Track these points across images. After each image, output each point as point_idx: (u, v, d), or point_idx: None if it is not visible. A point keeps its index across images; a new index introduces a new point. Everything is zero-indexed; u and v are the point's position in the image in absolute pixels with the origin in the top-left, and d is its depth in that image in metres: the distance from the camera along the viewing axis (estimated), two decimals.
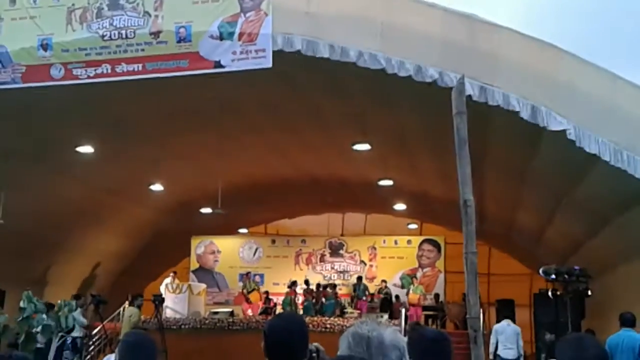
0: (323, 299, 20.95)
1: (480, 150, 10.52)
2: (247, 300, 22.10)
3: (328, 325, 17.86)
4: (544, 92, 9.65)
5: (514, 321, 13.96)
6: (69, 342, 15.54)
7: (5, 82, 11.10)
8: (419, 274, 23.46)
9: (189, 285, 21.86)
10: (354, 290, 22.00)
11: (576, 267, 11.50)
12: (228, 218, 20.89)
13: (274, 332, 2.94)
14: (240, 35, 10.21)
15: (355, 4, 10.34)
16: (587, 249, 14.90)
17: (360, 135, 15.14)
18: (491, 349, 13.26)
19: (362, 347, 1.92)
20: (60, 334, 15.32)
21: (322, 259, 24.51)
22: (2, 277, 17.35)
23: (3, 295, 18.06)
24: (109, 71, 10.76)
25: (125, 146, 16.00)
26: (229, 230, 25.06)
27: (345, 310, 20.66)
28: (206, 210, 21.54)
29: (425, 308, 21.22)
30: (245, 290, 22.48)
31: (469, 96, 8.44)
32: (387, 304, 21.26)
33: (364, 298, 21.48)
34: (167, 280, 21.54)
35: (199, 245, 25.11)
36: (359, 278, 22.38)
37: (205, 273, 24.79)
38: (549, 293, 14.19)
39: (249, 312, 21.41)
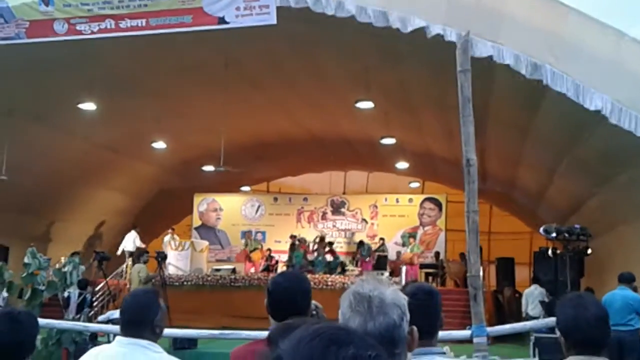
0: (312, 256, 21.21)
1: (483, 109, 10.50)
2: (249, 259, 22.24)
3: (329, 283, 18.03)
4: (549, 49, 9.58)
5: (540, 284, 15.35)
6: (88, 299, 15.83)
7: (10, 37, 11.05)
8: (419, 232, 23.57)
9: (192, 242, 22.00)
10: (358, 251, 22.11)
11: (577, 226, 11.55)
12: (230, 176, 20.92)
13: (277, 290, 2.97)
14: None
15: None
16: (587, 208, 14.96)
17: (364, 92, 15.07)
18: (523, 308, 15.13)
19: (364, 306, 1.96)
20: (66, 290, 15.51)
21: (324, 217, 24.60)
22: (5, 233, 17.50)
23: (7, 252, 18.22)
24: (113, 26, 10.70)
25: (128, 103, 15.96)
26: (231, 188, 25.13)
27: (347, 268, 20.81)
28: (209, 168, 21.58)
29: (425, 266, 21.36)
30: (247, 249, 22.61)
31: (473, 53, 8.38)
32: (383, 261, 21.41)
33: (367, 259, 21.59)
34: (167, 237, 21.64)
35: (201, 203, 25.20)
36: (361, 242, 22.46)
37: (207, 230, 24.93)
38: (549, 251, 14.28)
39: (252, 270, 21.57)
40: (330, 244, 21.96)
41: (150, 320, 3.20)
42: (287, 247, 22.23)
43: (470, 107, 5.66)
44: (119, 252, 20.38)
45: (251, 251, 22.38)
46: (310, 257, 21.29)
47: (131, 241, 20.64)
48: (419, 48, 10.40)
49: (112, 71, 13.99)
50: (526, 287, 16.13)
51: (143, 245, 19.37)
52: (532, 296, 14.97)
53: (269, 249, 22.48)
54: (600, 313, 2.87)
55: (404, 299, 2.01)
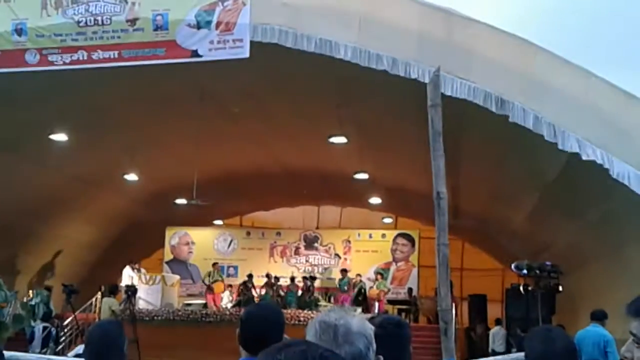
0: (282, 292, 20.93)
1: (455, 145, 10.58)
2: (210, 290, 21.80)
3: (302, 318, 17.85)
4: (518, 87, 9.74)
5: (500, 324, 17.73)
6: (53, 333, 15.49)
7: None
8: (392, 268, 23.54)
9: (163, 277, 21.68)
10: (339, 284, 21.92)
11: (547, 263, 11.60)
12: (203, 209, 20.76)
13: (250, 320, 2.94)
14: (218, 24, 10.18)
15: None
16: (559, 244, 15.05)
17: (337, 127, 15.15)
18: (490, 345, 17.02)
19: (329, 335, 1.91)
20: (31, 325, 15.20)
21: (296, 252, 24.49)
22: None
23: None
24: (85, 58, 10.67)
25: (100, 134, 15.84)
26: (203, 221, 24.93)
27: (320, 303, 20.64)
28: (181, 201, 21.41)
29: (398, 302, 21.29)
30: (208, 280, 22.10)
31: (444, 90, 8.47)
32: (362, 298, 21.27)
33: (346, 292, 21.38)
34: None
35: (173, 236, 24.96)
36: (344, 271, 22.27)
37: (179, 264, 24.65)
38: (521, 288, 14.31)
39: (213, 303, 21.16)
40: (313, 278, 21.79)
41: (119, 350, 3.14)
42: (260, 282, 21.95)
43: (441, 141, 5.68)
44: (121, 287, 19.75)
45: (213, 282, 21.95)
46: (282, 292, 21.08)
47: (127, 276, 20.31)
48: (390, 83, 10.49)
49: (85, 102, 13.91)
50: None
51: (136, 282, 18.97)
52: (498, 335, 17.08)
53: (243, 282, 22.06)
54: (569, 347, 2.84)
55: (370, 329, 1.97)
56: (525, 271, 11.37)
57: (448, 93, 9.13)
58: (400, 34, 10.08)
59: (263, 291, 21.35)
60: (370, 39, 9.96)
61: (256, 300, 20.55)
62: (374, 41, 9.94)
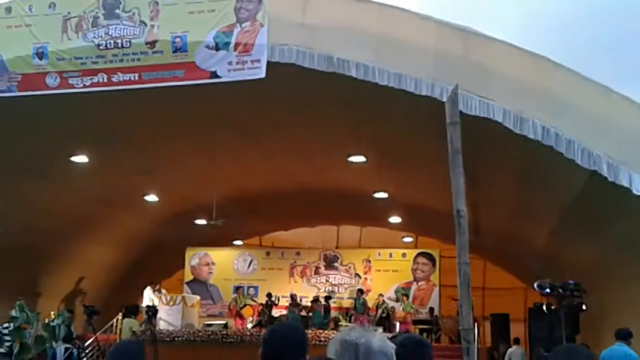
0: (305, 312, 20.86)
1: (475, 162, 10.52)
2: (240, 316, 21.85)
3: (322, 339, 17.74)
4: (537, 104, 9.68)
5: (518, 343, 17.70)
6: (75, 354, 15.53)
7: (1, 90, 11.10)
8: (413, 287, 23.38)
9: (183, 297, 21.73)
10: (355, 304, 21.82)
11: (570, 282, 11.43)
12: (223, 230, 20.81)
13: (273, 338, 2.91)
14: (236, 45, 10.23)
15: (349, 16, 10.37)
16: (582, 263, 14.86)
17: (355, 147, 15.12)
18: None
19: (350, 354, 1.89)
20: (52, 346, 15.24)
21: (316, 272, 24.41)
22: None
23: None
24: (105, 80, 10.76)
25: (120, 156, 15.96)
26: (223, 241, 24.97)
27: (340, 323, 20.52)
28: (201, 221, 21.46)
29: (419, 322, 21.10)
30: (237, 306, 22.20)
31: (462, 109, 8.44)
32: (386, 321, 21.00)
33: (362, 313, 21.24)
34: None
35: (193, 257, 25.00)
36: (360, 291, 22.16)
37: (199, 285, 24.67)
38: (544, 307, 14.12)
39: (240, 327, 21.18)
40: (328, 298, 21.71)
41: None
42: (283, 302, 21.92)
43: (460, 158, 5.67)
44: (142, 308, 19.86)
45: (241, 308, 22.02)
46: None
47: (147, 297, 20.39)
48: (408, 101, 10.47)
49: (105, 124, 14.03)
50: (521, 343, 16.97)
51: (157, 303, 19.08)
52: (515, 354, 17.11)
53: (262, 304, 22.06)
54: None
55: (391, 347, 1.95)
56: (548, 290, 11.20)
57: (466, 111, 9.09)
58: (417, 52, 10.08)
59: (283, 311, 21.30)
60: (387, 58, 9.97)
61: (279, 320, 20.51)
62: (391, 60, 9.94)
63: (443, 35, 10.18)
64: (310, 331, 18.15)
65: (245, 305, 22.16)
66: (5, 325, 14.07)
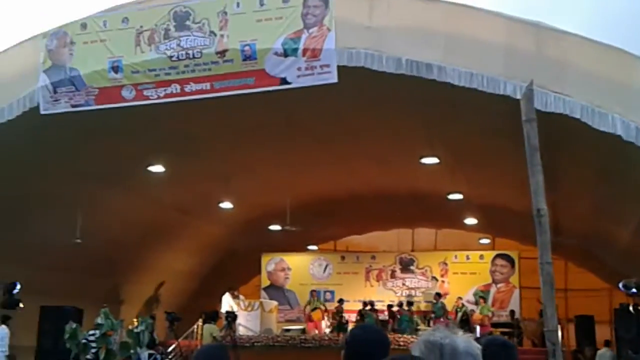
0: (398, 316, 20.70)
1: (553, 160, 10.22)
2: (309, 319, 21.93)
3: (402, 343, 17.58)
4: (616, 98, 9.32)
5: (608, 345, 17.25)
6: (159, 359, 15.87)
7: (80, 105, 11.47)
8: (492, 290, 22.93)
9: (261, 303, 21.92)
10: (433, 308, 21.54)
11: None
12: (297, 235, 20.93)
13: (356, 341, 2.92)
14: (304, 51, 10.25)
15: (417, 16, 10.25)
16: None
17: (428, 148, 14.95)
18: None
19: (436, 355, 1.83)
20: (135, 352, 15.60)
21: (392, 275, 24.25)
22: (78, 295, 17.79)
23: (81, 314, 18.53)
24: (178, 91, 10.98)
25: (195, 164, 16.26)
26: (298, 247, 25.09)
27: (419, 327, 20.30)
28: (275, 227, 21.62)
29: (499, 325, 20.67)
30: (308, 308, 22.31)
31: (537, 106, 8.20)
32: (465, 325, 20.62)
33: (442, 317, 20.92)
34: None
35: (269, 263, 25.22)
36: (437, 294, 21.86)
37: (276, 290, 24.86)
38: (630, 308, 13.61)
39: (315, 331, 21.22)
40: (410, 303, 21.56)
41: None
42: (356, 307, 21.84)
43: (538, 156, 5.48)
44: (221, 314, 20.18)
45: (312, 310, 22.07)
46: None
47: (226, 303, 20.74)
48: (479, 100, 10.27)
49: (179, 133, 14.31)
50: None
51: (236, 309, 19.38)
52: (604, 357, 16.62)
53: (338, 307, 21.97)
54: None
55: (477, 348, 1.89)
56: (634, 290, 10.83)
57: (541, 108, 8.84)
58: (488, 50, 9.88)
59: (353, 316, 21.23)
60: (457, 57, 9.80)
61: (350, 325, 20.47)
62: (462, 59, 9.77)
63: (514, 31, 9.95)
64: (389, 334, 18.03)
65: (315, 308, 22.16)
66: (91, 332, 14.46)
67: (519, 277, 22.74)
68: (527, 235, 12.82)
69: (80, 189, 15.76)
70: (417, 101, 12.20)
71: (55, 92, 11.49)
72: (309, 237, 24.82)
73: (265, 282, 25.14)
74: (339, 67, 10.06)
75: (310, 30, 10.22)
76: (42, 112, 11.64)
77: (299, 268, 25.15)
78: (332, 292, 24.13)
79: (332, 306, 22.67)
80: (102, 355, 15.23)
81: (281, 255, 25.17)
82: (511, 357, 2.73)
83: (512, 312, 21.69)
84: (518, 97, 8.24)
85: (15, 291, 15.47)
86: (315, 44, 10.19)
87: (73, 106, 11.48)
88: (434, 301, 21.56)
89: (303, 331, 20.59)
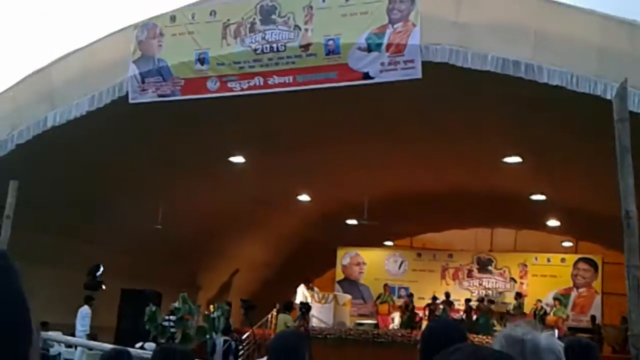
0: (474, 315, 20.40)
1: None
2: (377, 311, 21.86)
3: (475, 342, 17.31)
4: None
5: None
6: (233, 346, 16.22)
7: (166, 95, 11.77)
8: (573, 294, 22.33)
9: (335, 296, 21.99)
10: (513, 308, 21.13)
11: None
12: (373, 230, 20.88)
13: (432, 334, 2.92)
14: (388, 46, 10.19)
15: (506, 12, 10.03)
16: None
17: (511, 147, 14.64)
18: None
19: (517, 350, 1.80)
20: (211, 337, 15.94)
21: (469, 275, 23.91)
22: (158, 280, 18.30)
23: (160, 297, 19.05)
24: (262, 83, 11.12)
25: (275, 157, 16.42)
26: (374, 242, 25.04)
27: (495, 328, 19.94)
28: (352, 221, 21.64)
29: (580, 330, 20.09)
30: (378, 302, 22.24)
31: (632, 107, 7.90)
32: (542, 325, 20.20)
33: (519, 317, 20.47)
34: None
35: (344, 256, 25.28)
36: (518, 294, 21.43)
37: (350, 284, 24.90)
38: None
39: (382, 324, 21.08)
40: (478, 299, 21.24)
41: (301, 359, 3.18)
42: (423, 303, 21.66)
43: (629, 157, 5.26)
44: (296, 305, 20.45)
45: (380, 303, 21.95)
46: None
47: (301, 294, 21.00)
48: (568, 99, 9.97)
49: (261, 126, 14.48)
50: None
51: (310, 300, 19.62)
52: None
53: (410, 303, 21.75)
54: None
55: (559, 345, 1.84)
56: None
57: (634, 109, 8.51)
58: (579, 47, 9.57)
59: (422, 312, 21.02)
60: (546, 54, 9.54)
61: (422, 321, 20.30)
62: (551, 56, 9.50)
63: (608, 30, 9.60)
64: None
65: (384, 302, 22.04)
66: (167, 317, 14.86)
67: (602, 282, 22.05)
68: (612, 239, 12.40)
69: (162, 176, 16.18)
70: (502, 99, 11.95)
71: (143, 82, 11.82)
72: (385, 233, 24.73)
73: (340, 275, 25.22)
74: (423, 62, 9.96)
75: (395, 26, 10.16)
76: (131, 101, 12.00)
77: (374, 263, 25.12)
78: (406, 289, 23.97)
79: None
80: (179, 339, 15.65)
81: (356, 249, 25.19)
82: (593, 358, 2.65)
83: (593, 318, 21.06)
84: (609, 97, 7.97)
85: (98, 273, 16.07)
86: (399, 39, 10.11)
87: (160, 96, 11.79)
88: (515, 301, 21.16)
89: (376, 326, 20.53)
